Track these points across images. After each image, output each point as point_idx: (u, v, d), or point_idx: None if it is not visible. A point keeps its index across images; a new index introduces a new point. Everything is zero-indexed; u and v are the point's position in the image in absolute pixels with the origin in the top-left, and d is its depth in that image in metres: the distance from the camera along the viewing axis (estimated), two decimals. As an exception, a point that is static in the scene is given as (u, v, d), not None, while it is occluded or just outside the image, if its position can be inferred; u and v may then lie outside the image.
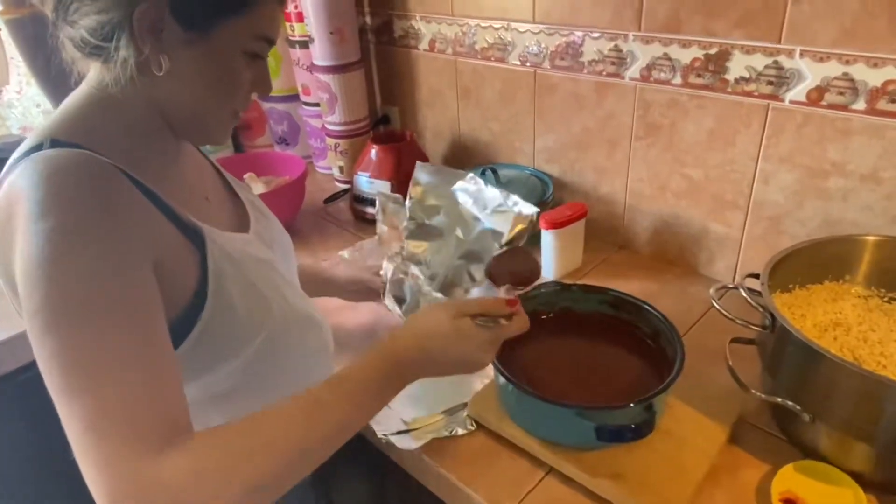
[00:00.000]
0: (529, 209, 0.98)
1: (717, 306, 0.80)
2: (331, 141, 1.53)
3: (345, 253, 1.27)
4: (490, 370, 0.82)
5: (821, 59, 0.87)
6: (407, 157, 1.36)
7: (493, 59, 1.29)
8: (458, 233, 1.04)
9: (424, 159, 1.41)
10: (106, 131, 0.61)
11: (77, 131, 0.59)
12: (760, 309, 0.76)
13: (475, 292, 1.01)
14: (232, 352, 0.66)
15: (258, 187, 1.38)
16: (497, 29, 1.25)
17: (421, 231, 1.06)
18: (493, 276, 0.92)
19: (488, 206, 1.03)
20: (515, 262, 0.93)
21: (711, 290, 0.82)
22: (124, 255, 0.53)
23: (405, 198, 1.07)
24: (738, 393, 0.78)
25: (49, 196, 0.52)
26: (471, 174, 1.06)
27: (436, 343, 0.65)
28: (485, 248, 1.00)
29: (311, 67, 1.48)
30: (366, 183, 1.38)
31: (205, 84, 0.62)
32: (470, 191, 1.05)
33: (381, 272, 1.04)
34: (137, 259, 0.54)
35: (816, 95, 0.89)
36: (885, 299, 0.82)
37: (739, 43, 0.93)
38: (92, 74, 0.63)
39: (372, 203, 1.38)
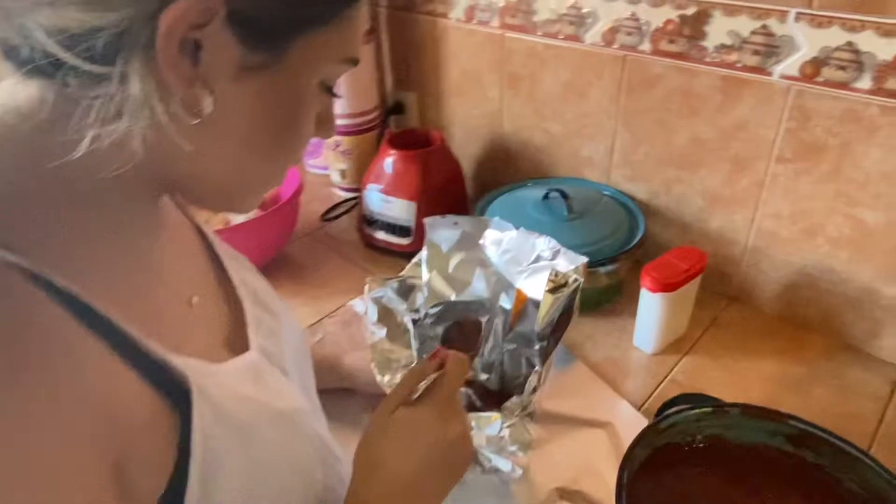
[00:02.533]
0: (571, 262, 0.66)
1: None
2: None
3: (358, 302, 0.93)
4: None
5: None
6: (436, 167, 1.02)
7: (560, 35, 0.93)
8: (504, 302, 0.71)
9: (458, 173, 1.06)
10: (26, 192, 0.33)
11: None
12: None
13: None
14: None
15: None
16: (571, -6, 0.89)
17: (452, 313, 0.72)
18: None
19: (522, 260, 0.70)
20: (461, 334, 0.71)
21: None
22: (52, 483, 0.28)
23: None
24: None
25: None
26: (496, 218, 0.73)
27: (392, 465, 0.45)
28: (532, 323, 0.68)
29: (303, 40, 1.10)
30: (378, 201, 1.03)
31: (260, 133, 0.38)
32: (503, 242, 0.72)
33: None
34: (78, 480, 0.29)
35: None
36: None
37: None
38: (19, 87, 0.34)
39: (386, 227, 1.04)
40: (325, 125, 0.44)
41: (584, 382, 0.79)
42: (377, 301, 0.70)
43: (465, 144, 1.15)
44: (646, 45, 0.85)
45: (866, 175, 0.73)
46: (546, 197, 0.91)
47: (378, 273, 1.00)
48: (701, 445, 0.62)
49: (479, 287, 0.73)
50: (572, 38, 0.92)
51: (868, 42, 0.67)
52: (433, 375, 0.51)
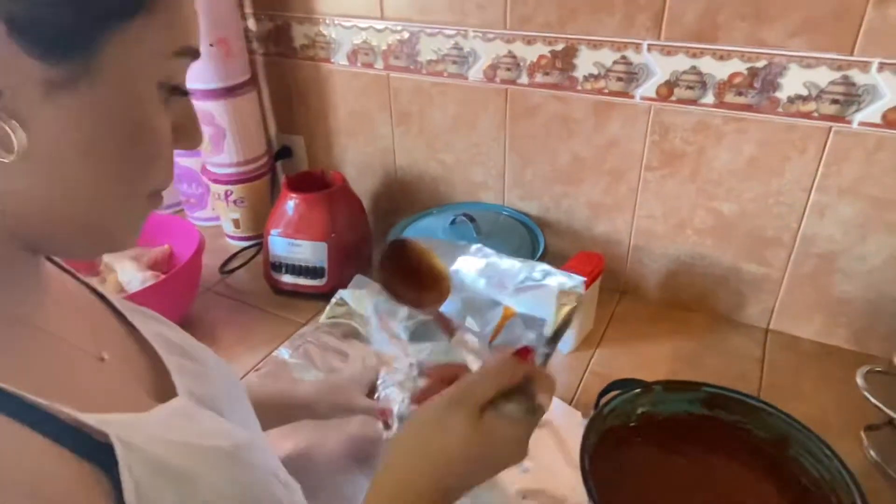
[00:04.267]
0: (572, 280, 0.73)
1: (872, 399, 0.63)
2: (218, 188, 1.14)
3: (284, 351, 0.92)
4: None
5: (899, 73, 0.73)
6: (341, 206, 1.04)
7: (445, 74, 1.01)
8: (471, 323, 0.76)
9: (361, 209, 1.09)
10: None
11: None
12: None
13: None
14: None
15: (129, 272, 0.96)
16: (451, 36, 0.97)
17: (422, 329, 0.76)
18: (395, 293, 0.59)
19: (507, 283, 0.76)
20: (409, 261, 0.60)
21: (859, 378, 0.64)
22: None
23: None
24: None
25: None
26: (476, 245, 0.78)
27: (461, 468, 0.46)
28: (517, 343, 0.73)
29: (181, 92, 1.07)
30: (285, 245, 1.03)
31: (100, 153, 0.34)
32: (480, 267, 0.77)
33: (379, 395, 0.73)
34: None
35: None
36: None
37: (796, 54, 0.76)
38: None
39: (295, 270, 1.04)
40: (186, 132, 0.39)
41: (517, 389, 0.85)
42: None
43: (360, 181, 1.18)
44: (524, 79, 0.94)
45: (719, 174, 0.87)
46: (453, 222, 0.98)
47: (294, 318, 1.00)
48: (635, 424, 0.70)
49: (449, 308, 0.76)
50: (456, 76, 1.00)
51: (708, 65, 0.82)
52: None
